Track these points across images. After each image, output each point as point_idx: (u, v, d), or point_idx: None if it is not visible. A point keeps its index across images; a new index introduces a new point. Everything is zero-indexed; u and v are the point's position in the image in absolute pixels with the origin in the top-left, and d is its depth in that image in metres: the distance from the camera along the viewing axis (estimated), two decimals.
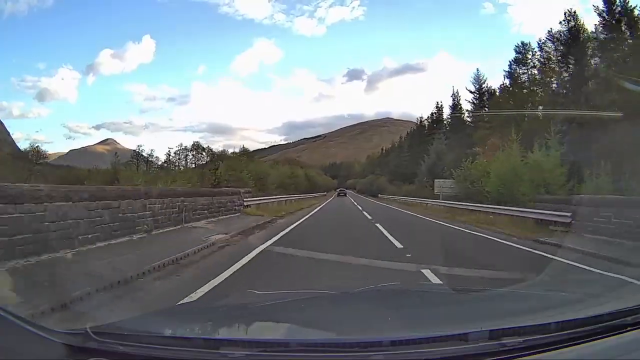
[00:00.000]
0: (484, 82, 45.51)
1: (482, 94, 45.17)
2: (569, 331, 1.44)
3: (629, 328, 1.51)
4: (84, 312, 3.89)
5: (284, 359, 1.32)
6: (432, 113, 62.53)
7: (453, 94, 52.45)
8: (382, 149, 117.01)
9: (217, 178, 26.36)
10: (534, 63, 35.95)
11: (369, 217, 19.81)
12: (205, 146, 33.74)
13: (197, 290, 5.06)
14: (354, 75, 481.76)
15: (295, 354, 1.32)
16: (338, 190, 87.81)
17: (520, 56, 36.86)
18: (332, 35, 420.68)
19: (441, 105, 60.25)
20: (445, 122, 56.12)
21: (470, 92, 46.09)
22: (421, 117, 68.22)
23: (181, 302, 4.45)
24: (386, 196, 56.82)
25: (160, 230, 10.05)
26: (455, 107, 51.81)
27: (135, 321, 1.73)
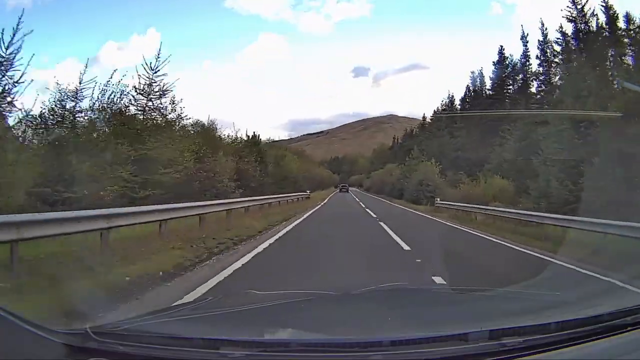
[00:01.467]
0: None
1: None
2: (569, 331, 1.44)
3: (629, 328, 1.51)
4: (84, 312, 3.86)
5: (284, 359, 1.32)
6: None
7: (523, 38, 34.28)
8: (395, 138, 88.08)
9: None
10: None
11: None
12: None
13: None
14: (359, 72, 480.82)
15: (295, 354, 1.32)
16: (340, 185, 76.79)
17: None
18: (339, 32, 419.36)
19: (503, 52, 38.09)
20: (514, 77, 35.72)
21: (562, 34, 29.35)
22: (473, 73, 44.67)
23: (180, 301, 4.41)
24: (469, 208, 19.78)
25: None
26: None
27: (135, 321, 1.73)
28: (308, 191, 41.71)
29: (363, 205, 29.46)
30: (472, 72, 45.80)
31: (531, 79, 34.24)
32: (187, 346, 1.34)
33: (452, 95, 50.08)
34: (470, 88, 45.84)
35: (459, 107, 46.46)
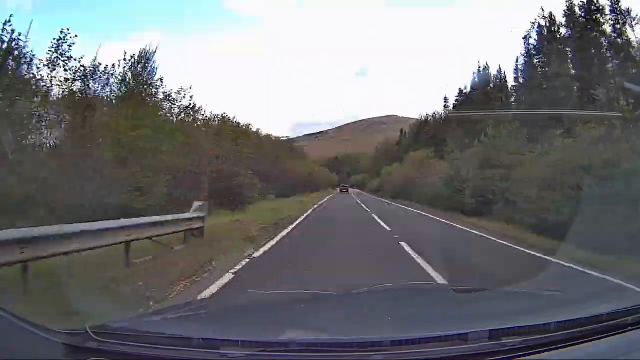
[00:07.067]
0: None
1: None
2: (569, 331, 1.44)
3: (629, 328, 1.51)
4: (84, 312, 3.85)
5: (283, 359, 1.32)
6: None
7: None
8: (402, 132, 69.94)
9: None
10: None
11: None
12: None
13: None
14: (359, 72, 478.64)
15: (295, 354, 1.32)
16: (340, 185, 73.55)
17: None
18: (339, 30, 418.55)
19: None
20: None
21: None
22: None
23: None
24: None
25: None
26: None
27: (135, 321, 1.73)
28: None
29: None
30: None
31: None
32: (187, 346, 1.34)
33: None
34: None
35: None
